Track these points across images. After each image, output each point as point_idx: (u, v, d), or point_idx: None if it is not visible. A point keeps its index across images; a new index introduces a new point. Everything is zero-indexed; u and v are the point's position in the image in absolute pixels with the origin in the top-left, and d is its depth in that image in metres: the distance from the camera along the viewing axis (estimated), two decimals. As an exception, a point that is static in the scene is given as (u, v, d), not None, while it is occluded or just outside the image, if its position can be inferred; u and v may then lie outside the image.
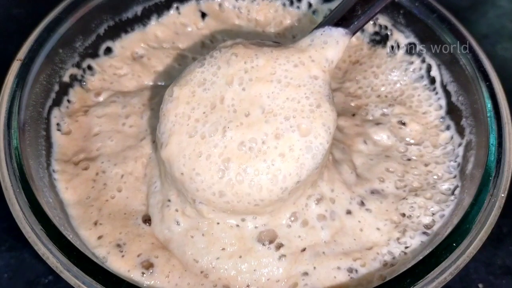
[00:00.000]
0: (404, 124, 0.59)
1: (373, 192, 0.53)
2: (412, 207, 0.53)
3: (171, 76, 0.64)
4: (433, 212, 0.52)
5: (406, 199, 0.53)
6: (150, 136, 0.57)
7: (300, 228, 0.50)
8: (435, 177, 0.56)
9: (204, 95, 0.48)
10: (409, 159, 0.57)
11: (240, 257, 0.48)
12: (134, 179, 0.54)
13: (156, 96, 0.61)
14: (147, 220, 0.51)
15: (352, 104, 0.62)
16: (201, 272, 0.48)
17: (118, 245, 0.49)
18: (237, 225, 0.49)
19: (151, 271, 0.48)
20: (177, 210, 0.50)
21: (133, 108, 0.59)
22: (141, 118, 0.58)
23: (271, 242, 0.49)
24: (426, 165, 0.57)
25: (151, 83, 0.64)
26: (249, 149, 0.45)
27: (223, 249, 0.49)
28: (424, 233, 0.51)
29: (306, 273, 0.48)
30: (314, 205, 0.51)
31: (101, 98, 0.61)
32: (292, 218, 0.50)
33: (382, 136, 0.58)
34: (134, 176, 0.54)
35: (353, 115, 0.60)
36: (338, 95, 0.62)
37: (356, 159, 0.56)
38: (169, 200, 0.51)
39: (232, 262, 0.48)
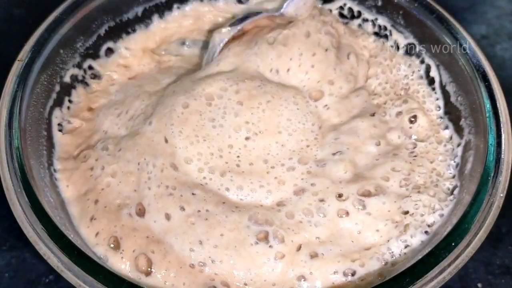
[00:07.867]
0: (415, 119, 0.58)
1: (374, 190, 0.52)
2: (416, 204, 0.52)
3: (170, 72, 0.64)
4: (434, 211, 0.52)
5: (410, 196, 0.52)
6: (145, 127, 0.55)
7: (288, 220, 0.50)
8: (437, 175, 0.55)
9: (212, 138, 0.54)
10: (415, 156, 0.56)
11: (235, 247, 0.48)
12: (126, 161, 0.53)
13: (157, 92, 0.60)
14: (140, 210, 0.50)
15: (374, 103, 0.61)
16: (199, 263, 0.47)
17: (114, 241, 0.49)
18: (236, 207, 0.50)
19: (148, 268, 0.47)
20: (182, 196, 0.50)
21: (131, 105, 0.59)
22: (138, 113, 0.58)
23: (265, 223, 0.49)
24: (431, 162, 0.56)
25: (150, 77, 0.63)
26: None
27: (222, 235, 0.48)
28: (425, 232, 0.51)
29: (302, 277, 0.48)
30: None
31: (102, 98, 0.61)
32: (280, 205, 0.51)
33: (395, 136, 0.58)
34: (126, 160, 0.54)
35: (373, 114, 0.59)
36: (363, 93, 0.61)
37: (360, 160, 0.55)
38: (174, 188, 0.51)
39: (228, 253, 0.48)
